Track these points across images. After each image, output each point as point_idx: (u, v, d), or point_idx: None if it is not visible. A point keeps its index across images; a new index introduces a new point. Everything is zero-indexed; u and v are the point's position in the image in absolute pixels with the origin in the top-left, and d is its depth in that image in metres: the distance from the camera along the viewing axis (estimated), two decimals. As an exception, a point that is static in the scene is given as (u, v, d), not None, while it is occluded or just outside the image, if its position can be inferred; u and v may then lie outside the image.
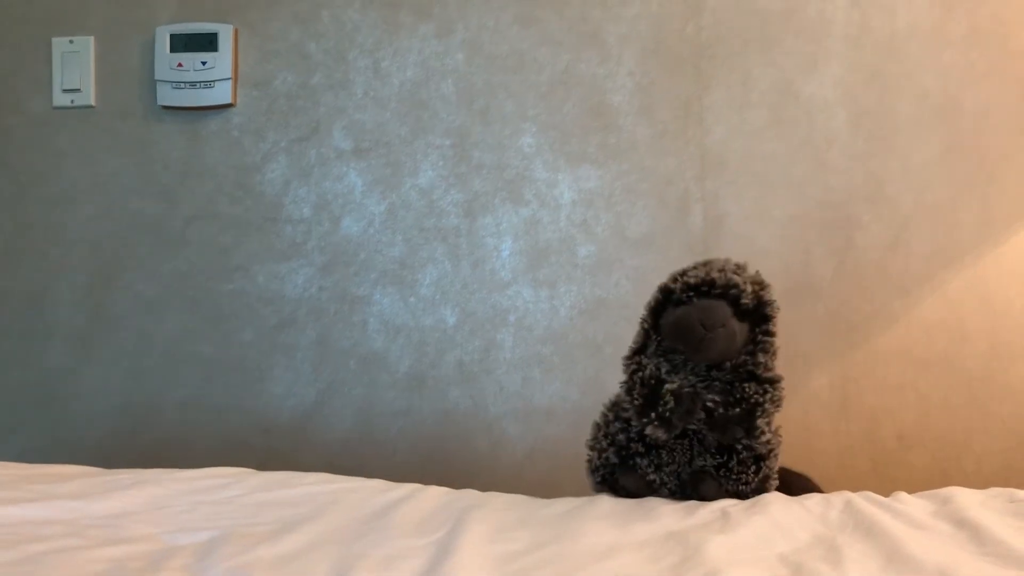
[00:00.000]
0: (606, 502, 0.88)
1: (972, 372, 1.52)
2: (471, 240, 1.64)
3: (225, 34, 1.66)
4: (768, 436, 1.03)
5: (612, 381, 1.59)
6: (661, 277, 1.58)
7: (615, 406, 1.12)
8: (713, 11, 1.60)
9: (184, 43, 1.67)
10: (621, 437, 1.06)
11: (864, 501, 0.85)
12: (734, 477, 1.00)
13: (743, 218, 1.58)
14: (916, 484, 1.35)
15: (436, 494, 0.91)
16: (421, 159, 1.65)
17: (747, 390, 1.01)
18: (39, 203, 1.73)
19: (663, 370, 1.04)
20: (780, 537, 0.75)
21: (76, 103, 1.71)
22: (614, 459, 1.06)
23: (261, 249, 1.68)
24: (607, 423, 1.11)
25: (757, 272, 1.14)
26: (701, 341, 1.00)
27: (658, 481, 1.01)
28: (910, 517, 0.81)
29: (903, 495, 0.93)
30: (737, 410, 1.00)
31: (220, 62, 1.66)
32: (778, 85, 1.58)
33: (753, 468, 1.00)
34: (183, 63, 1.66)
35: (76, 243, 1.72)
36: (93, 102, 1.71)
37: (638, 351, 1.09)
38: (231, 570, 0.69)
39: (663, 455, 1.01)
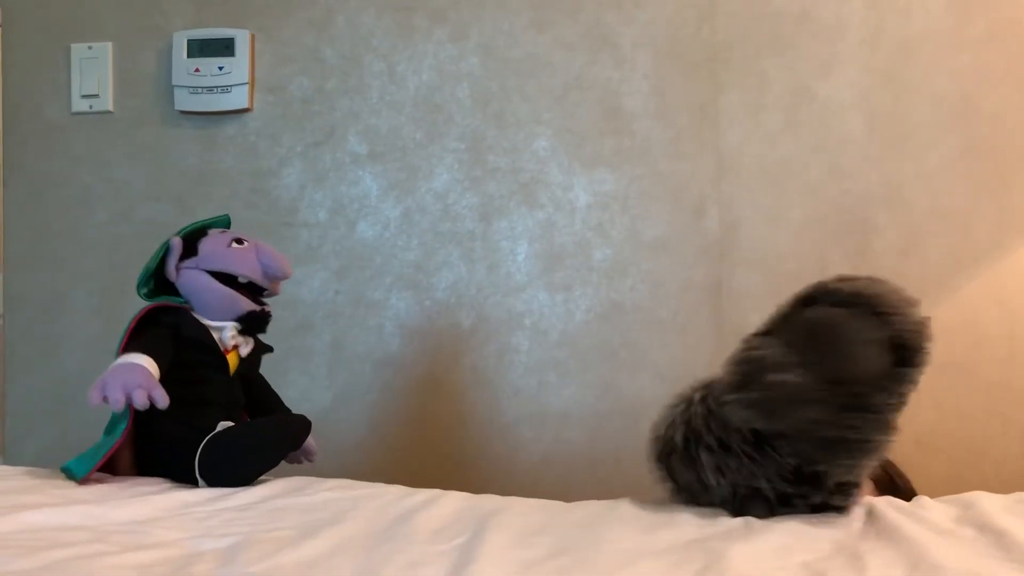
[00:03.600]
0: (628, 507, 0.88)
1: (989, 377, 1.51)
2: (486, 244, 1.64)
3: (242, 39, 1.67)
4: (853, 493, 0.88)
5: (628, 385, 1.60)
6: (677, 281, 1.59)
7: (707, 387, 0.97)
8: (727, 14, 1.59)
9: (201, 48, 1.67)
10: (698, 421, 0.93)
11: (886, 507, 0.85)
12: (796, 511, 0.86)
13: (758, 221, 1.58)
14: (934, 489, 1.34)
15: (456, 499, 0.91)
16: (436, 163, 1.65)
17: (864, 423, 0.85)
18: (57, 208, 1.74)
19: (784, 360, 0.87)
20: (802, 545, 0.75)
21: (94, 108, 1.72)
22: (679, 441, 0.93)
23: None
24: (690, 402, 0.97)
25: (927, 319, 0.98)
26: (845, 349, 0.85)
27: (713, 485, 0.89)
28: (933, 523, 0.81)
29: (925, 500, 0.92)
30: (847, 436, 0.84)
31: (237, 67, 1.67)
32: (793, 88, 1.58)
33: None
34: (200, 68, 1.67)
35: (93, 248, 1.73)
36: (111, 107, 1.73)
37: (765, 333, 0.95)
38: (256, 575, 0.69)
39: (731, 461, 0.88)
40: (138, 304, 1.62)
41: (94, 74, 1.72)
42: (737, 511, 0.87)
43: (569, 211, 1.62)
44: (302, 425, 1.15)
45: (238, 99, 1.67)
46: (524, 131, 1.63)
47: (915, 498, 0.94)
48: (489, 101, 1.64)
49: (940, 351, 1.53)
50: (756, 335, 0.93)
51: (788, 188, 1.57)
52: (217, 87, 1.67)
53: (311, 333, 1.67)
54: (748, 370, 0.88)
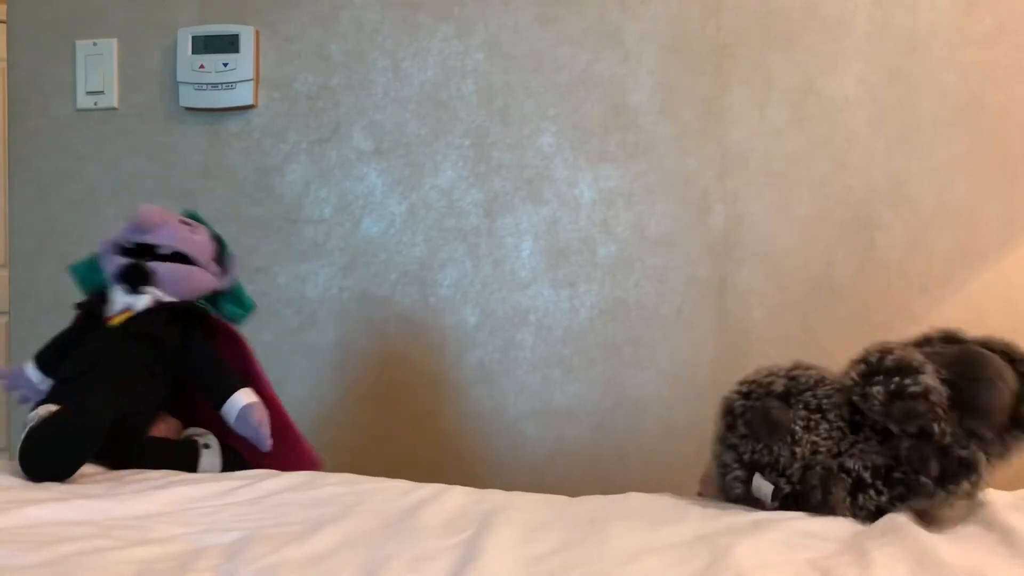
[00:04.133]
0: (634, 501, 0.88)
1: (996, 372, 1.51)
2: (491, 240, 1.64)
3: (246, 36, 1.67)
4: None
5: (632, 381, 1.60)
6: (681, 277, 1.59)
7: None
8: (733, 9, 1.59)
9: (206, 45, 1.68)
10: (805, 379, 0.92)
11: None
12: (865, 510, 0.85)
13: (764, 217, 1.57)
14: (940, 485, 1.34)
15: (461, 494, 0.91)
16: (441, 159, 1.65)
17: (969, 455, 0.86)
18: (63, 204, 1.74)
19: (928, 370, 0.89)
20: (808, 542, 0.75)
21: (99, 105, 1.73)
22: (778, 387, 0.92)
23: (282, 250, 1.69)
24: (797, 366, 0.96)
25: None
26: (984, 384, 0.89)
27: (797, 438, 0.88)
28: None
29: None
30: (958, 452, 0.85)
31: (241, 63, 1.67)
32: (799, 84, 1.57)
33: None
34: (205, 65, 1.67)
35: (98, 245, 1.73)
36: (116, 104, 1.73)
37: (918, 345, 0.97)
38: (260, 571, 0.69)
39: (823, 425, 0.89)
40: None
41: (99, 71, 1.72)
42: (808, 488, 0.88)
43: (574, 207, 1.62)
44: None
45: (243, 95, 1.67)
46: (529, 127, 1.63)
47: None
48: (494, 97, 1.64)
49: (946, 347, 1.53)
50: (912, 345, 0.96)
51: (793, 184, 1.57)
52: (222, 83, 1.67)
53: (316, 329, 1.67)
54: (900, 363, 0.90)
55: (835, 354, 1.55)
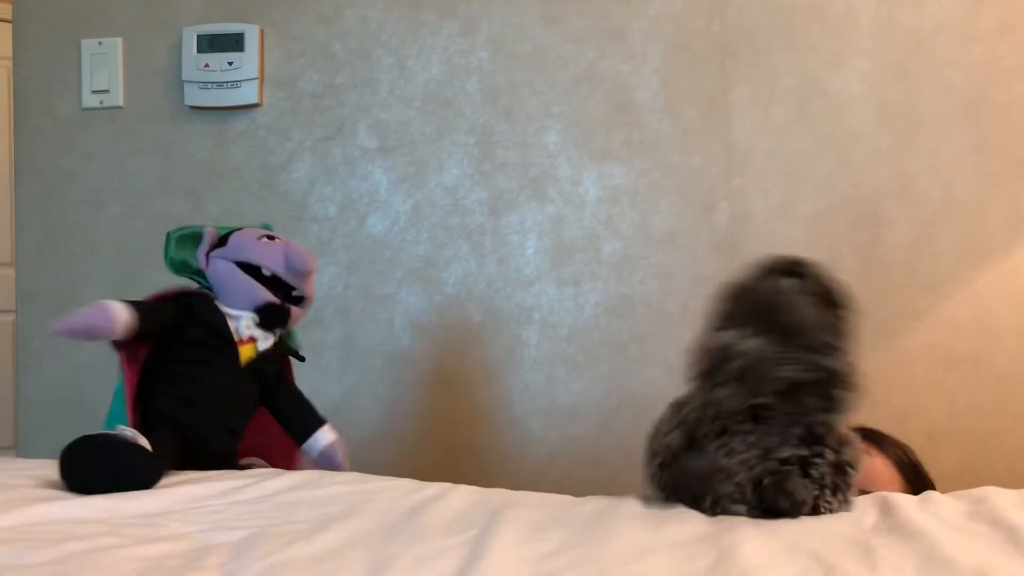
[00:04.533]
0: (638, 502, 0.88)
1: (1001, 371, 1.51)
2: (496, 238, 1.64)
3: (251, 34, 1.67)
4: (855, 442, 0.92)
5: (637, 380, 1.60)
6: (686, 275, 1.58)
7: (693, 388, 0.98)
8: (737, 7, 1.59)
9: (211, 43, 1.68)
10: (693, 416, 0.93)
11: (899, 502, 0.84)
12: (826, 477, 0.86)
13: (769, 215, 1.57)
14: (946, 484, 1.34)
15: (466, 493, 0.91)
16: (446, 157, 1.65)
17: (824, 360, 0.90)
18: (68, 203, 1.75)
19: (742, 334, 0.92)
20: (814, 539, 0.75)
21: (105, 104, 1.73)
22: (678, 441, 0.93)
23: (287, 248, 1.69)
24: (677, 410, 0.98)
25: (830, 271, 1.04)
26: (785, 308, 0.92)
27: (729, 470, 0.87)
28: (945, 518, 0.80)
29: (934, 495, 0.92)
30: (817, 378, 0.89)
31: (246, 62, 1.67)
32: (803, 81, 1.57)
33: (842, 474, 0.88)
34: (210, 63, 1.68)
35: (104, 243, 1.74)
36: (121, 103, 1.73)
37: (716, 328, 0.98)
38: (266, 569, 0.69)
39: (735, 441, 0.89)
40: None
41: (104, 69, 1.73)
42: (769, 496, 0.87)
43: (578, 205, 1.62)
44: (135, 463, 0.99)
45: (248, 94, 1.68)
46: (534, 125, 1.63)
47: (925, 493, 0.94)
48: (499, 95, 1.64)
49: (951, 345, 1.53)
50: (706, 331, 0.97)
51: (798, 181, 1.57)
52: (227, 82, 1.68)
53: (321, 328, 1.68)
54: (715, 355, 0.92)
55: (840, 352, 1.55)
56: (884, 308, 1.54)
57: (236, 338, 1.13)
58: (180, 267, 1.20)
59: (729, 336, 0.92)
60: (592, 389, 1.61)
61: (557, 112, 1.63)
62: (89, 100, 1.73)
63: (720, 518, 0.82)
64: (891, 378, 1.53)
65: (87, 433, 0.97)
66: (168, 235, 1.20)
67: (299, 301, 1.20)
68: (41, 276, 1.76)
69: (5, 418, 2.83)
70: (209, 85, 1.68)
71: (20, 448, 1.76)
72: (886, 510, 0.83)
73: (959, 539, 0.74)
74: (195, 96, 1.69)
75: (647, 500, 0.93)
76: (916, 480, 1.24)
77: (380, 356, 1.66)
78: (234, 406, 1.14)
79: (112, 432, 0.97)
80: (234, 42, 1.67)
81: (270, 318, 1.15)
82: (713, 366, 0.91)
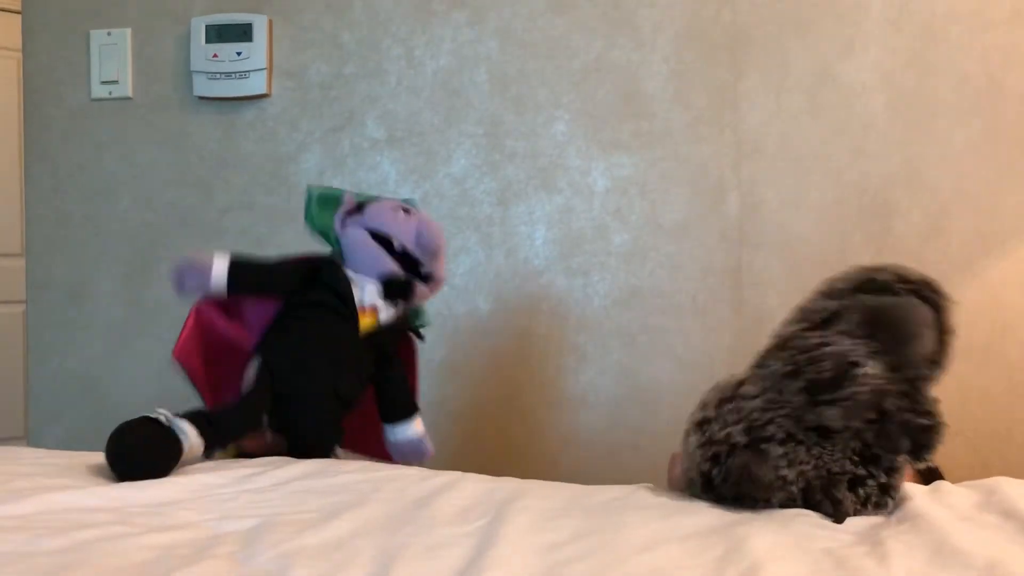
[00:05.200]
0: (649, 492, 0.88)
1: (1013, 361, 1.50)
2: (504, 228, 1.64)
3: (259, 24, 1.67)
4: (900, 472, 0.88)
5: (646, 369, 1.59)
6: (696, 265, 1.58)
7: (761, 378, 0.92)
8: (749, -4, 1.58)
9: (219, 34, 1.68)
10: (758, 415, 0.88)
11: (909, 493, 0.84)
12: (872, 497, 0.84)
13: (780, 204, 1.57)
14: (957, 475, 1.33)
15: (476, 482, 0.91)
16: (454, 148, 1.65)
17: (931, 404, 0.86)
18: (78, 194, 1.75)
19: (858, 353, 0.87)
20: (824, 532, 0.74)
21: (114, 95, 1.73)
22: (740, 438, 0.88)
23: (296, 239, 1.69)
24: (737, 394, 0.91)
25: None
26: (912, 337, 0.87)
27: (788, 478, 0.85)
28: (956, 509, 0.80)
29: (945, 485, 0.91)
30: (920, 421, 0.85)
31: (255, 52, 1.67)
32: (815, 69, 1.56)
33: (885, 495, 0.86)
34: (218, 54, 1.67)
35: (114, 234, 1.74)
36: (131, 93, 1.73)
37: (819, 325, 0.93)
38: (276, 557, 0.70)
39: (801, 451, 0.85)
40: (160, 289, 1.63)
41: (113, 60, 1.73)
42: (815, 501, 0.86)
43: (587, 195, 1.62)
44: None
45: (256, 85, 1.68)
46: (543, 115, 1.63)
47: (935, 483, 0.94)
48: (507, 85, 1.64)
49: (964, 334, 1.51)
50: (812, 327, 0.92)
51: (809, 171, 1.56)
52: (235, 73, 1.67)
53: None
54: (837, 368, 0.87)
55: (851, 342, 1.54)
56: (895, 298, 1.53)
57: (359, 305, 1.12)
58: (320, 226, 1.19)
59: (851, 350, 0.87)
60: (601, 380, 1.61)
61: (566, 102, 1.62)
62: (98, 91, 1.74)
63: (732, 511, 0.82)
64: (902, 369, 1.52)
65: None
66: (309, 192, 1.20)
67: (427, 279, 1.19)
68: (52, 267, 1.76)
69: (16, 408, 2.85)
70: (218, 75, 1.68)
71: (31, 437, 1.77)
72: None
73: (970, 530, 0.74)
74: (204, 86, 1.69)
75: (656, 489, 0.93)
76: (926, 470, 1.24)
77: (389, 346, 1.66)
78: (347, 372, 1.13)
79: (147, 417, 0.98)
80: (242, 32, 1.67)
81: (394, 289, 1.15)
82: (825, 379, 0.86)
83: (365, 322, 1.13)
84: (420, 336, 1.22)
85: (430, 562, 0.68)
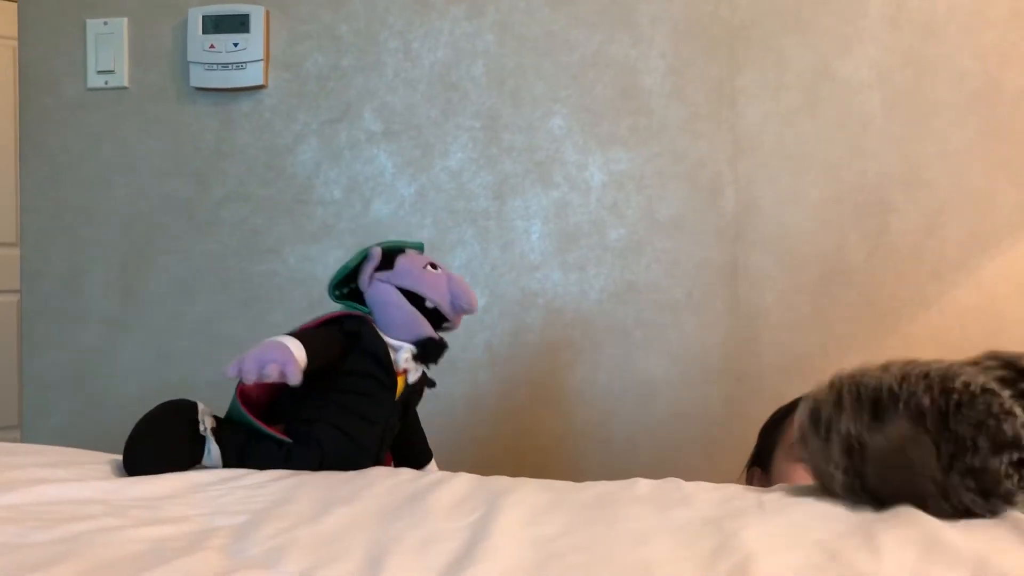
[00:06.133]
0: (642, 486, 0.88)
1: (1008, 359, 1.50)
2: (500, 223, 1.63)
3: (256, 15, 1.67)
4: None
5: (641, 365, 1.59)
6: (692, 261, 1.58)
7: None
8: (747, -9, 1.58)
9: (216, 24, 1.67)
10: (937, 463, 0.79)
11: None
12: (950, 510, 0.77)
13: (776, 201, 1.57)
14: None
15: (468, 479, 0.92)
16: (451, 141, 1.65)
17: None
18: (74, 184, 1.75)
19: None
20: (817, 525, 0.74)
21: (110, 84, 1.73)
22: (926, 405, 0.80)
23: (292, 231, 1.69)
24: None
25: None
26: None
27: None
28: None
29: (939, 482, 0.92)
30: None
31: (252, 43, 1.67)
32: (813, 66, 1.56)
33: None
34: (215, 44, 1.67)
35: (110, 224, 1.74)
36: (127, 83, 1.73)
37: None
38: (269, 551, 0.70)
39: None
40: (155, 280, 1.63)
41: (110, 50, 1.72)
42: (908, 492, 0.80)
43: (584, 190, 1.61)
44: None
45: (253, 76, 1.67)
46: (540, 109, 1.63)
47: None
48: (505, 79, 1.64)
49: (958, 333, 1.52)
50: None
51: (806, 168, 1.56)
52: (232, 64, 1.67)
53: (325, 311, 1.67)
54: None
55: (846, 339, 1.55)
56: (891, 295, 1.53)
57: (396, 369, 1.08)
58: (341, 296, 1.13)
59: None
60: (596, 374, 1.61)
61: (564, 96, 1.62)
62: (95, 80, 1.73)
63: (724, 502, 0.82)
64: (896, 366, 1.53)
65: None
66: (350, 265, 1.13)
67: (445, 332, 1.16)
68: (46, 257, 1.76)
69: (10, 397, 2.84)
70: (214, 66, 1.68)
71: (25, 428, 1.76)
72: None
73: (961, 526, 0.74)
74: (200, 77, 1.69)
75: (650, 482, 0.92)
76: None
77: (384, 340, 1.66)
78: (385, 438, 1.10)
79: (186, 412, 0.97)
80: (239, 23, 1.67)
81: (430, 353, 1.10)
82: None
83: (399, 385, 1.09)
84: (432, 384, 1.17)
85: (423, 555, 0.68)
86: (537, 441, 1.63)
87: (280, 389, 1.07)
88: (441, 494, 0.85)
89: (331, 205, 1.68)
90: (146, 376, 1.72)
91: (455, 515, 0.78)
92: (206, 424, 0.97)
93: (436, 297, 1.10)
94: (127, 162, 1.74)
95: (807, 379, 1.57)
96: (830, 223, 1.55)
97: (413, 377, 1.09)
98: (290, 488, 0.89)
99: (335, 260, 1.67)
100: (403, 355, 1.07)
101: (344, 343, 1.06)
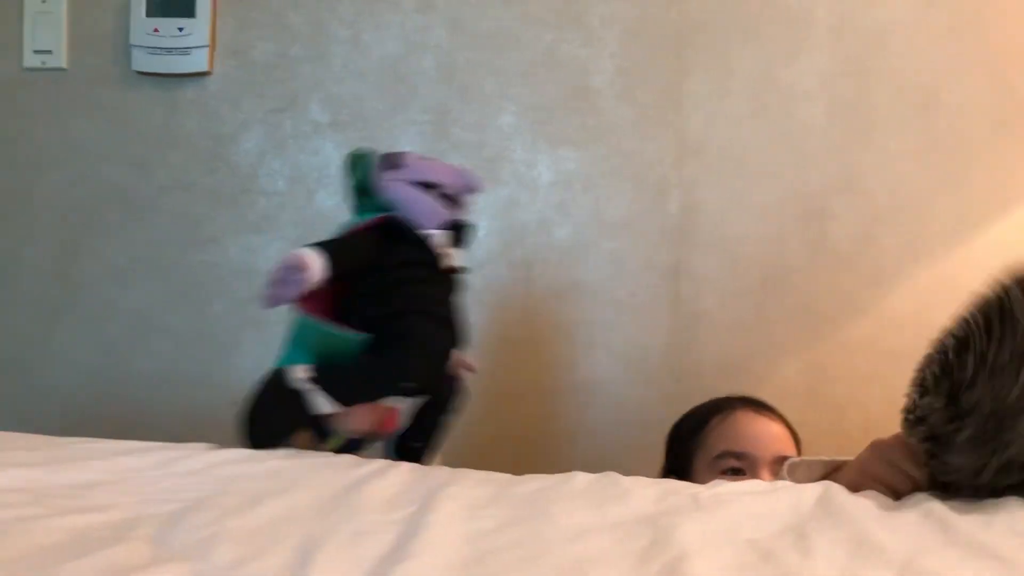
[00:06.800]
0: (579, 481, 0.88)
1: (939, 365, 1.54)
2: (447, 219, 1.62)
3: (203, 0, 1.63)
4: None
5: (583, 364, 1.60)
6: (636, 261, 1.59)
7: None
8: (697, -4, 1.59)
9: (160, 8, 1.64)
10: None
11: (837, 491, 0.85)
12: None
13: (720, 206, 1.58)
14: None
15: (406, 470, 0.91)
16: (399, 135, 1.63)
17: None
18: (6, 167, 1.70)
19: None
20: (751, 524, 0.75)
21: (48, 65, 1.68)
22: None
23: (234, 221, 1.66)
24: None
25: None
26: None
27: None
28: (879, 507, 0.82)
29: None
30: None
31: (197, 29, 1.63)
32: (759, 73, 1.58)
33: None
34: (159, 28, 1.63)
35: (44, 209, 1.69)
36: (65, 65, 1.68)
37: None
38: (197, 541, 0.68)
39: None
40: (92, 267, 1.59)
41: (48, 29, 1.67)
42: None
43: (532, 188, 1.61)
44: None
45: (197, 62, 1.64)
46: (490, 106, 1.62)
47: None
48: (455, 74, 1.63)
49: (892, 340, 1.55)
50: None
51: (749, 173, 1.58)
52: (176, 48, 1.63)
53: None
54: None
55: (784, 343, 1.57)
56: (828, 302, 1.56)
57: (439, 254, 1.11)
58: (362, 190, 1.16)
59: None
60: (538, 372, 1.61)
61: (514, 94, 1.62)
62: (31, 60, 1.68)
63: (660, 499, 0.82)
64: (832, 371, 1.56)
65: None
66: (355, 156, 1.17)
67: None
68: (-24, 241, 1.70)
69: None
70: (158, 51, 1.64)
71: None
72: (824, 498, 0.84)
73: (891, 527, 0.76)
74: (143, 61, 1.65)
75: (587, 478, 0.92)
76: (798, 446, 1.30)
77: (326, 333, 1.64)
78: (455, 323, 1.13)
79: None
80: (185, 7, 1.63)
81: (463, 235, 1.14)
82: None
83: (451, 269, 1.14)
84: (466, 269, 1.20)
85: (355, 548, 0.67)
86: (477, 438, 1.62)
87: (337, 300, 1.11)
88: (378, 486, 0.84)
89: (275, 196, 1.65)
90: (81, 363, 1.67)
91: (391, 508, 0.77)
92: (296, 377, 1.01)
93: (449, 182, 1.14)
94: (64, 145, 1.69)
95: (745, 381, 1.59)
96: (772, 228, 1.57)
97: (454, 261, 1.13)
98: (224, 477, 0.87)
99: (278, 251, 1.64)
100: (439, 240, 1.11)
101: (378, 241, 1.10)
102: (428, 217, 1.12)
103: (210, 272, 1.66)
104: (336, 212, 1.63)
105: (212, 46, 1.65)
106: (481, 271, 1.61)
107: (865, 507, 0.81)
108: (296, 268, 1.02)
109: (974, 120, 1.54)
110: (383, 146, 1.62)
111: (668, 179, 1.59)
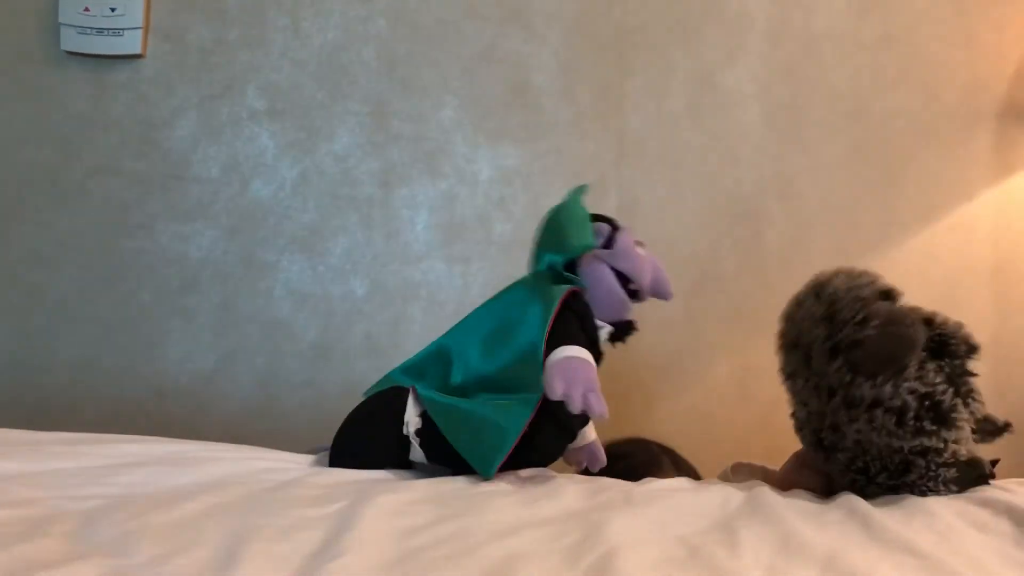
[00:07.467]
0: (510, 479, 0.88)
1: (865, 367, 1.58)
2: (385, 211, 1.61)
3: (137, -20, 1.59)
4: None
5: (520, 360, 1.60)
6: (574, 259, 1.59)
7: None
8: (639, -4, 1.60)
9: (92, -14, 1.58)
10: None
11: (764, 490, 0.87)
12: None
13: (655, 205, 1.60)
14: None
15: (340, 471, 0.90)
16: (338, 125, 1.61)
17: None
18: (-76, 145, 1.63)
19: None
20: (680, 520, 0.76)
21: (-30, 41, 1.61)
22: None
23: (165, 208, 1.62)
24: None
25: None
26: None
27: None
28: (806, 507, 0.84)
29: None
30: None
31: (130, 9, 1.59)
32: (697, 75, 1.60)
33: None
34: (90, 7, 1.58)
35: (-36, 190, 1.62)
36: (-11, 42, 1.62)
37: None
38: (117, 536, 0.66)
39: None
40: (13, 252, 1.53)
41: (-29, 4, 1.61)
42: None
43: (472, 183, 1.61)
44: None
45: (130, 44, 1.59)
46: (430, 99, 1.61)
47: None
48: (396, 65, 1.61)
49: (821, 341, 1.58)
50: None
51: (685, 174, 1.60)
52: (108, 29, 1.59)
53: (197, 293, 1.61)
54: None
55: (714, 343, 1.59)
56: (758, 303, 1.58)
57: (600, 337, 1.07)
58: (579, 248, 1.09)
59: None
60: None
61: (455, 88, 1.61)
62: (-47, 35, 1.61)
63: (591, 495, 0.83)
64: (762, 370, 1.58)
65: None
66: (576, 211, 1.11)
67: None
68: None
69: None
70: (88, 31, 1.59)
71: None
72: (753, 496, 0.85)
73: (816, 525, 0.77)
74: (72, 41, 1.59)
75: (519, 476, 0.92)
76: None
77: (258, 324, 1.61)
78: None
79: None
80: (118, -13, 1.58)
81: (623, 336, 1.09)
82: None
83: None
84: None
85: (282, 544, 0.66)
86: (412, 433, 1.61)
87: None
88: (309, 482, 0.83)
89: (208, 183, 1.62)
90: (1, 350, 1.61)
91: (321, 503, 0.76)
92: (410, 428, 0.97)
93: (644, 282, 1.09)
94: (-13, 125, 1.62)
95: (677, 379, 1.61)
96: (706, 229, 1.59)
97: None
98: (152, 474, 0.85)
99: (210, 240, 1.61)
100: (603, 335, 1.07)
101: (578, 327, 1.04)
102: (611, 313, 1.07)
103: (139, 260, 1.61)
104: (271, 202, 1.61)
105: (146, 28, 1.60)
106: (419, 265, 1.60)
107: (791, 506, 0.83)
108: (592, 380, 0.95)
109: (900, 129, 1.59)
110: (322, 136, 1.61)
111: (607, 178, 1.60)
